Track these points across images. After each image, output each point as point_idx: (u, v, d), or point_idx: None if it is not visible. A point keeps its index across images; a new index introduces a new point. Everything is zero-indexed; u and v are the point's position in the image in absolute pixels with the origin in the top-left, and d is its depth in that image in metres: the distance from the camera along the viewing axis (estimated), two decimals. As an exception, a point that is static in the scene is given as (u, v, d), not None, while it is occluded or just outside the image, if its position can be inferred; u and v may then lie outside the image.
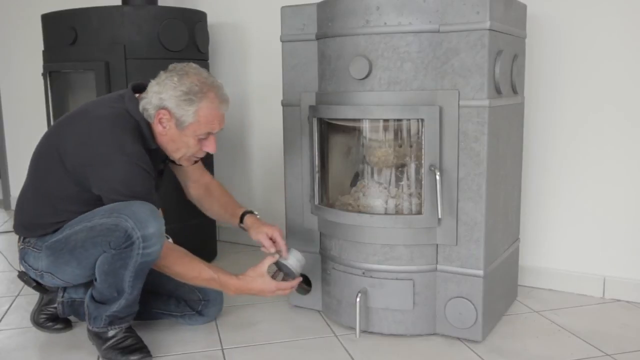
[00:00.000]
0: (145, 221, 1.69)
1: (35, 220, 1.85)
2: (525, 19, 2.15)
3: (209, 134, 1.82)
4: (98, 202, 1.77)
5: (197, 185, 2.15)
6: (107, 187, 1.74)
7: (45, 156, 1.83)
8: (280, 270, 1.94)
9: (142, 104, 1.80)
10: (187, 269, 1.83)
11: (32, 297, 2.30)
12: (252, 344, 1.95)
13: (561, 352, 1.86)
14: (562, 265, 2.39)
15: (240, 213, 2.07)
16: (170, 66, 1.83)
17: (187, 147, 1.82)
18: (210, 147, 1.85)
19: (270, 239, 1.98)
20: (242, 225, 2.06)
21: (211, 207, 2.14)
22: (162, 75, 1.81)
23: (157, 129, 1.80)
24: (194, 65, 1.83)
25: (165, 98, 1.76)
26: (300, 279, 1.95)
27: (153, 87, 1.80)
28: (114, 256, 1.72)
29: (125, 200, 1.72)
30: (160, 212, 1.77)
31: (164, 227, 1.75)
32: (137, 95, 1.84)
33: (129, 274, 1.75)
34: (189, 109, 1.76)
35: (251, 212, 2.08)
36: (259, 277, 1.87)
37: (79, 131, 1.78)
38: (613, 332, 2.00)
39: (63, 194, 1.80)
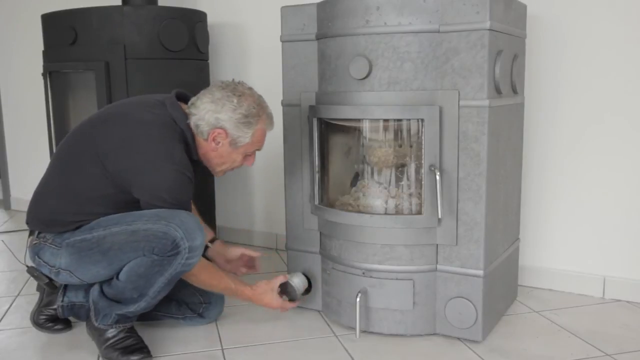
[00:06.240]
0: (194, 232, 1.73)
1: (56, 217, 1.83)
2: (525, 19, 2.15)
3: (254, 151, 1.91)
4: (131, 205, 1.78)
5: None
6: (151, 193, 1.75)
7: (80, 155, 1.81)
8: (284, 290, 2.06)
9: (194, 120, 1.83)
10: (211, 277, 1.92)
11: (32, 297, 2.30)
12: (252, 344, 1.95)
13: (561, 352, 1.86)
14: (562, 265, 2.39)
15: (210, 237, 2.17)
16: (220, 82, 1.88)
17: (233, 162, 1.90)
18: (251, 162, 1.95)
19: (242, 257, 2.16)
20: (209, 245, 2.15)
21: None
22: (216, 92, 1.83)
23: (210, 145, 1.85)
24: (243, 83, 1.89)
25: (223, 119, 1.81)
26: (300, 302, 2.10)
27: (206, 104, 1.82)
28: (154, 262, 1.73)
29: (167, 207, 1.75)
30: None
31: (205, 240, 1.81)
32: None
33: (163, 280, 1.77)
34: (247, 131, 1.83)
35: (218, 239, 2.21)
36: (269, 291, 2.00)
37: (122, 135, 1.77)
38: (613, 332, 2.00)
39: (97, 194, 1.79)
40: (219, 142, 1.84)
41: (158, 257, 1.72)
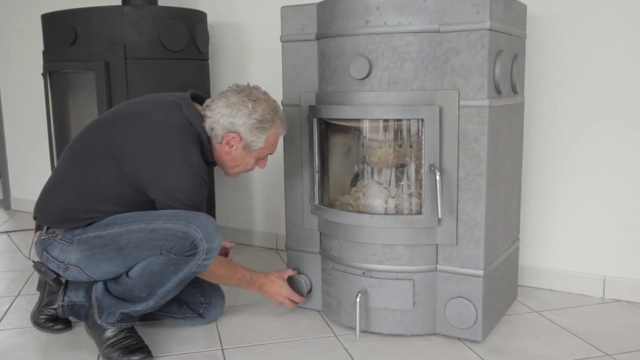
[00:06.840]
0: (213, 235, 1.76)
1: (67, 213, 1.83)
2: (525, 19, 2.15)
3: (267, 154, 1.95)
4: (145, 205, 1.80)
5: None
6: (168, 194, 1.77)
7: (95, 154, 1.81)
8: (291, 284, 2.14)
9: (209, 123, 1.85)
10: (227, 270, 1.98)
11: (32, 297, 2.30)
12: (252, 344, 1.95)
13: (561, 352, 1.86)
14: (562, 265, 2.39)
15: None
16: (235, 87, 1.90)
17: (246, 165, 1.94)
18: (263, 165, 1.98)
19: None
20: None
21: None
22: (231, 96, 1.85)
23: (224, 148, 1.87)
24: (258, 87, 1.92)
25: (238, 123, 1.83)
26: (305, 298, 2.15)
27: (221, 108, 1.84)
28: (170, 260, 1.74)
29: (183, 208, 1.77)
30: None
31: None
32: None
33: (176, 280, 1.78)
34: (261, 136, 1.86)
35: None
36: (280, 281, 2.09)
37: (138, 136, 1.78)
38: (613, 332, 2.00)
39: (112, 193, 1.80)
40: (233, 146, 1.87)
41: (175, 257, 1.73)
